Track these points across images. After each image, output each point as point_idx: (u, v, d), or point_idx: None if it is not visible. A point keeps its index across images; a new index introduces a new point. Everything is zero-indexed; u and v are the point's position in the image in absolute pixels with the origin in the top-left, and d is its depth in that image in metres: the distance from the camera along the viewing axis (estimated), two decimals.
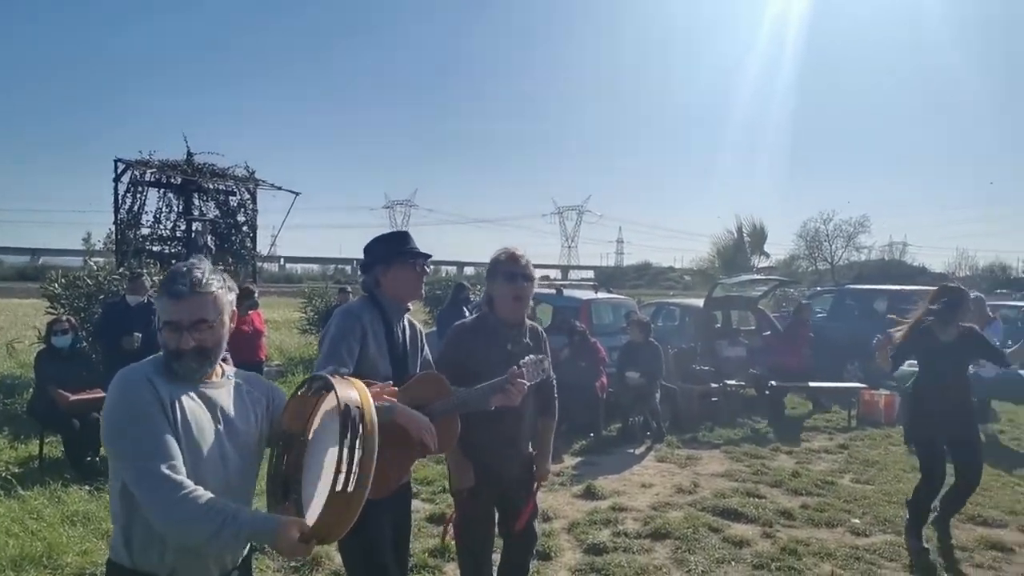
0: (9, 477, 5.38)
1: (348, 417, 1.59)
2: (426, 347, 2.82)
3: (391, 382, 2.24)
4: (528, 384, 2.54)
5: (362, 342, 2.48)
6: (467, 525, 3.08)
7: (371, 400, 1.69)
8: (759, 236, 37.37)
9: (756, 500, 5.46)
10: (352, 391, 1.68)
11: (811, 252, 45.81)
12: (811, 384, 9.33)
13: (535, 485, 3.15)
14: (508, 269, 2.92)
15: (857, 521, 5.01)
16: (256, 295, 8.12)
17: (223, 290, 1.78)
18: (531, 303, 3.09)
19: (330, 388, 1.71)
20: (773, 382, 9.09)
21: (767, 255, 38.97)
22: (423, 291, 2.71)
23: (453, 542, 4.29)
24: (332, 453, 1.68)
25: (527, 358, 2.59)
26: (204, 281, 1.73)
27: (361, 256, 2.71)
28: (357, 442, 1.57)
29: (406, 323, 2.72)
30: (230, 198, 12.55)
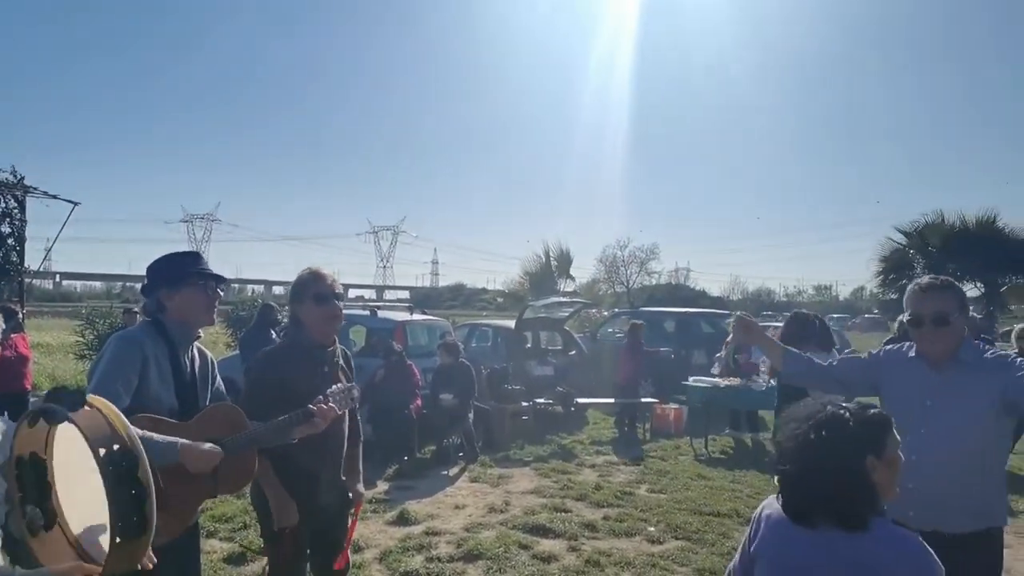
0: None
1: (111, 460, 1.39)
2: (218, 377, 2.60)
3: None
4: (338, 412, 2.45)
5: (142, 373, 2.23)
6: (284, 563, 2.86)
7: (129, 427, 1.47)
8: (565, 260, 39.46)
9: (563, 515, 5.70)
10: (103, 425, 1.45)
11: (610, 276, 49.15)
12: (611, 400, 9.94)
13: (352, 515, 3.03)
14: (317, 290, 2.77)
15: (652, 529, 5.39)
16: (20, 316, 7.13)
17: None
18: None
19: (69, 422, 1.44)
20: (578, 399, 9.58)
21: (572, 279, 41.25)
22: (215, 316, 2.51)
23: None
24: (88, 472, 1.44)
25: (335, 387, 2.49)
26: None
27: None
28: (131, 488, 1.39)
29: (195, 351, 2.50)
30: None
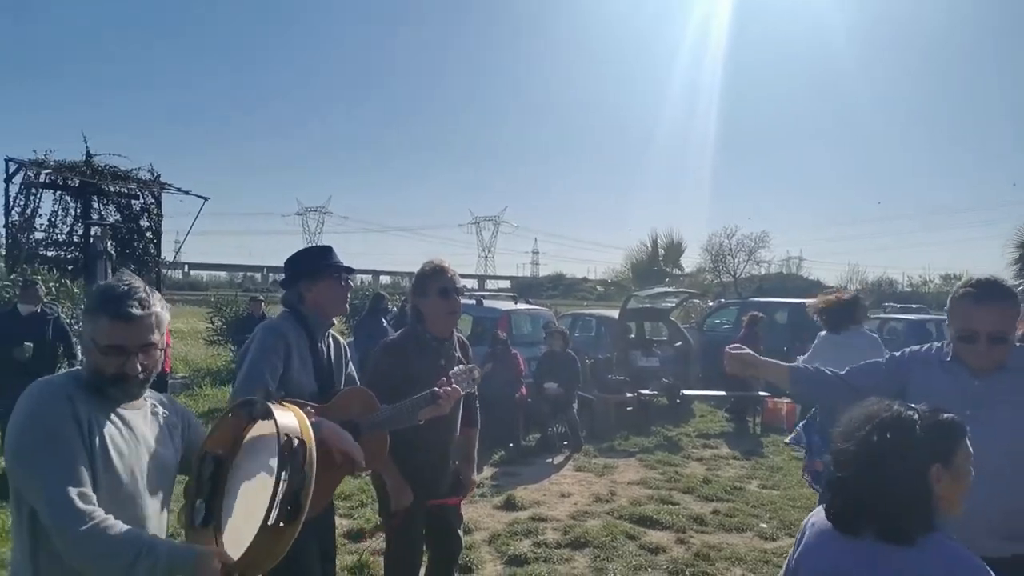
0: None
1: (288, 448, 1.55)
2: (351, 362, 2.76)
3: (310, 406, 2.18)
4: (462, 393, 2.53)
5: (286, 360, 2.40)
6: (401, 542, 3.01)
7: (311, 430, 1.66)
8: (675, 250, 38.70)
9: (670, 507, 5.64)
10: (292, 419, 1.65)
11: (716, 265, 47.76)
12: (719, 393, 9.71)
13: (463, 493, 3.13)
14: (441, 284, 2.86)
15: (765, 526, 5.25)
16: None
17: (164, 308, 1.72)
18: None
19: (268, 415, 1.66)
20: (684, 391, 9.41)
21: (681, 268, 40.39)
22: (347, 305, 2.67)
23: (373, 558, 4.25)
24: (259, 481, 1.64)
25: (457, 368, 2.58)
26: (150, 300, 1.66)
27: (271, 263, 2.66)
28: (294, 474, 1.53)
29: (330, 338, 2.66)
30: (133, 202, 12.01)
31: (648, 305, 11.94)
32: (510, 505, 5.64)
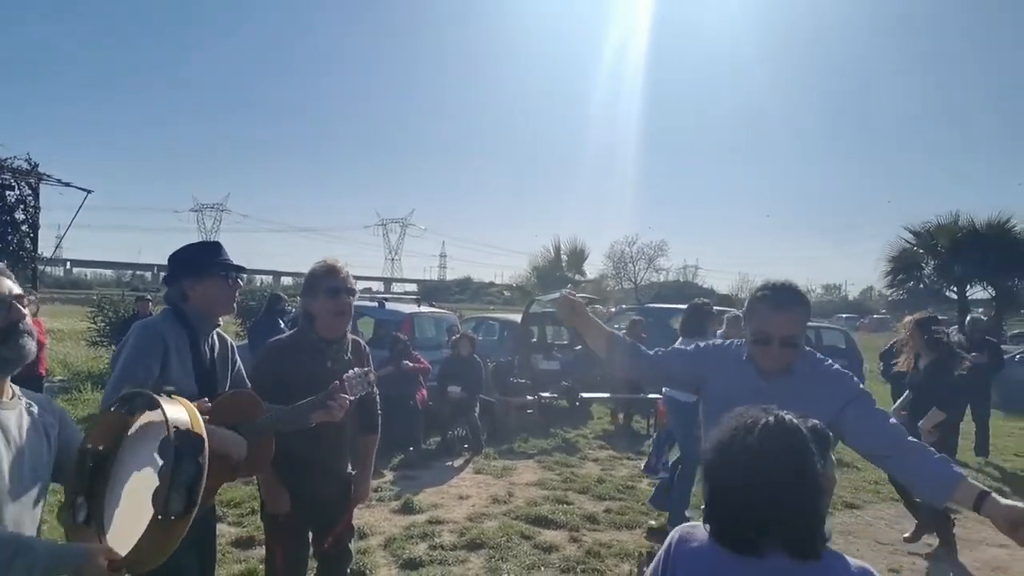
0: None
1: (180, 439, 1.52)
2: (238, 362, 2.67)
3: (206, 399, 2.11)
4: (352, 399, 2.46)
5: (164, 360, 2.29)
6: (280, 549, 2.92)
7: (202, 421, 1.62)
8: (579, 256, 39.46)
9: (565, 506, 5.77)
10: (182, 411, 1.61)
11: (618, 272, 49.15)
12: (614, 395, 10.00)
13: (353, 503, 3.07)
14: (330, 284, 2.80)
15: (653, 523, 5.45)
16: (33, 301, 7.25)
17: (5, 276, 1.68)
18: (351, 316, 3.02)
19: (155, 406, 1.62)
20: (583, 394, 9.64)
21: (584, 274, 41.26)
22: (235, 305, 2.57)
23: (262, 566, 4.13)
24: (146, 475, 1.59)
25: (351, 371, 2.51)
26: None
27: (162, 262, 2.53)
28: (187, 466, 1.50)
29: (215, 338, 2.56)
30: (7, 193, 11.12)
31: (550, 309, 12.15)
32: (407, 508, 5.62)
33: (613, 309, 22.31)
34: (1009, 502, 1.88)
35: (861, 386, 2.27)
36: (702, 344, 2.56)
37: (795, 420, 1.40)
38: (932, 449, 2.16)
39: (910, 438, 2.16)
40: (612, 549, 4.83)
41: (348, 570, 3.26)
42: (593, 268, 49.14)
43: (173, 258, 2.49)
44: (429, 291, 66.48)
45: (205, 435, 1.59)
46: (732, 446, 1.37)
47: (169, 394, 1.77)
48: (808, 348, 2.32)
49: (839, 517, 5.77)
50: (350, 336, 3.00)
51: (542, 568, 4.48)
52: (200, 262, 2.45)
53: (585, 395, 9.79)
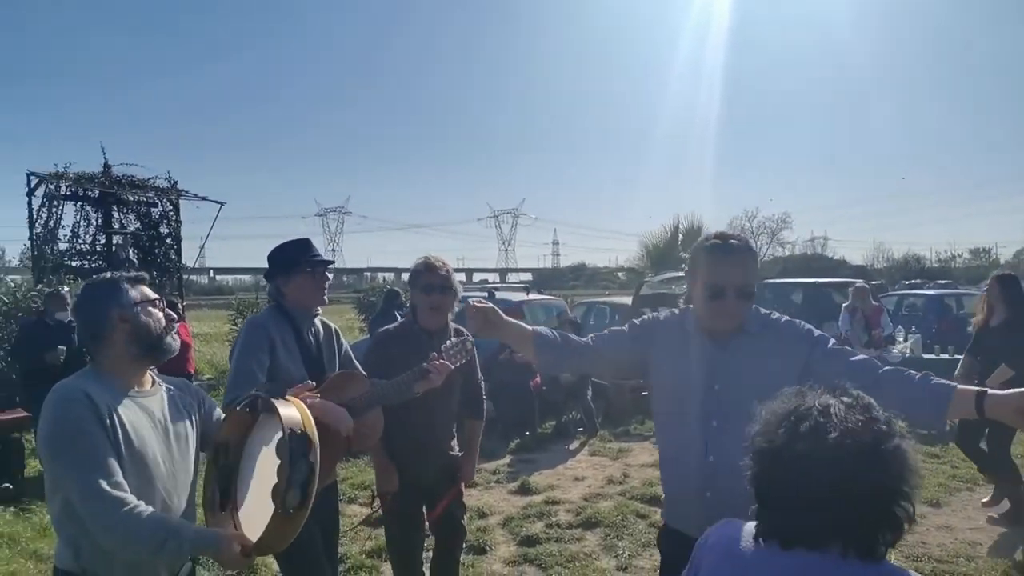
0: None
1: (293, 441, 1.68)
2: (344, 345, 2.87)
3: (311, 382, 2.27)
4: (452, 366, 2.58)
5: (271, 352, 2.52)
6: (394, 525, 3.14)
7: (312, 421, 1.78)
8: (695, 235, 38.43)
9: None
10: (295, 412, 1.77)
11: None
12: None
13: (459, 482, 3.21)
14: (425, 281, 3.00)
15: None
16: (180, 308, 8.00)
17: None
18: (455, 308, 3.17)
19: (271, 410, 1.79)
20: None
21: None
22: (326, 297, 2.74)
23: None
24: (268, 470, 1.77)
25: (449, 341, 2.64)
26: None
27: None
28: (300, 465, 1.67)
29: (318, 325, 2.76)
30: (152, 210, 12.25)
31: (661, 291, 11.97)
32: (525, 490, 5.77)
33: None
34: (1010, 391, 1.72)
35: (813, 328, 2.07)
36: (636, 320, 2.23)
37: (850, 400, 1.18)
38: (909, 370, 1.92)
39: (884, 367, 1.94)
40: None
41: (463, 545, 3.45)
42: None
43: (269, 258, 2.71)
44: (544, 279, 66.79)
45: (315, 435, 1.74)
46: (790, 439, 1.15)
47: (284, 394, 1.96)
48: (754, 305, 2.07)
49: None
50: (453, 326, 3.15)
51: (656, 546, 4.48)
52: (288, 260, 2.65)
53: None
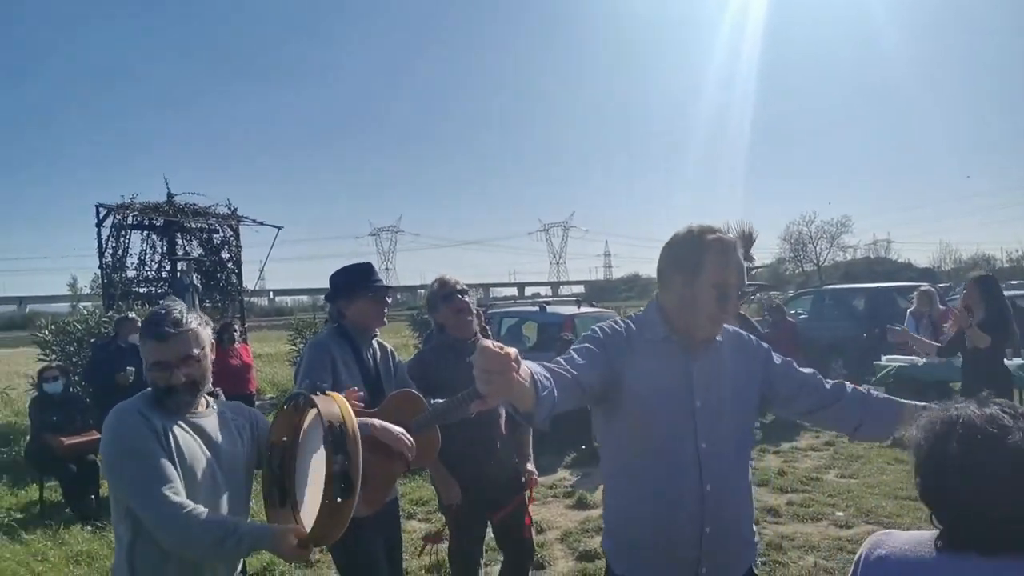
0: (11, 523, 5.49)
1: (332, 432, 1.75)
2: (400, 363, 2.96)
3: (356, 388, 2.33)
4: None
5: (333, 371, 2.61)
6: (457, 537, 3.20)
7: (352, 414, 1.84)
8: (747, 240, 37.80)
9: None
10: (334, 407, 1.84)
11: (796, 254, 46.41)
12: None
13: (524, 490, 3.26)
14: (444, 292, 3.09)
15: (841, 514, 5.16)
16: (237, 329, 8.27)
17: (201, 326, 1.94)
18: (482, 317, 3.25)
19: (311, 404, 1.87)
20: None
21: (751, 259, 39.31)
22: (385, 320, 2.83)
23: (446, 558, 4.43)
24: (318, 461, 1.85)
25: None
26: (184, 320, 1.89)
27: None
28: (341, 455, 1.72)
29: (376, 346, 2.85)
30: (213, 236, 12.69)
31: None
32: (582, 504, 5.73)
33: (791, 294, 21.05)
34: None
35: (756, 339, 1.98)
36: (591, 333, 1.86)
37: (1016, 406, 1.23)
38: (848, 384, 1.92)
39: (825, 380, 1.93)
40: (795, 541, 4.63)
41: (531, 561, 3.47)
42: (768, 252, 46.75)
43: (332, 280, 2.80)
44: (596, 291, 66.52)
45: (355, 426, 1.80)
46: (976, 451, 1.17)
47: (324, 391, 2.02)
48: None
49: None
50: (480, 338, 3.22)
51: None
52: (351, 284, 2.74)
53: None
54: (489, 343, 1.31)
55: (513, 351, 1.31)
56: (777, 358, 1.95)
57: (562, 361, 1.71)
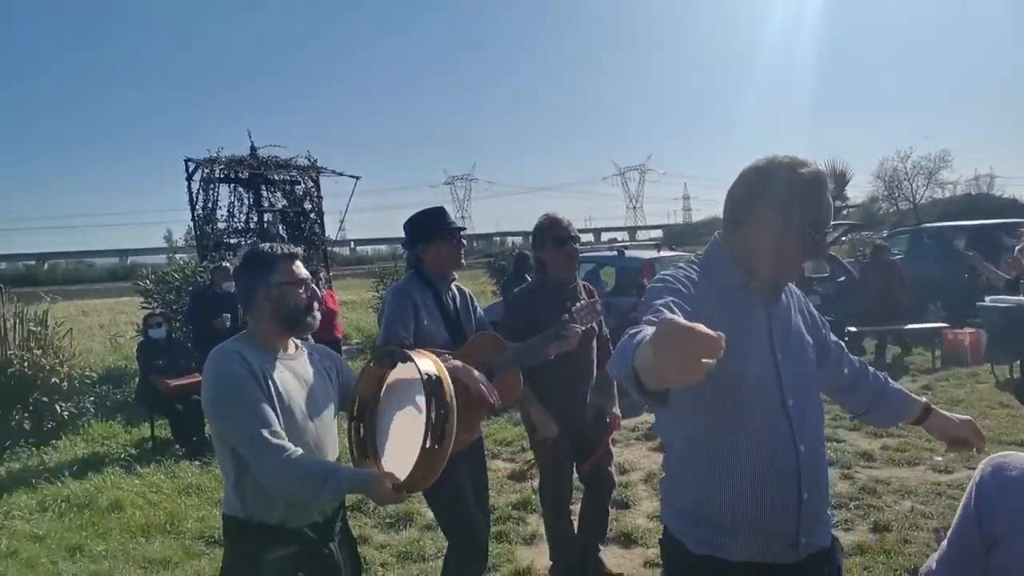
0: (127, 458, 5.92)
1: (430, 385, 1.79)
2: (478, 308, 2.98)
3: (445, 352, 2.38)
4: (582, 328, 2.60)
5: (416, 316, 2.65)
6: (548, 474, 3.28)
7: (445, 368, 1.88)
8: (839, 180, 36.08)
9: (835, 444, 5.44)
10: (429, 363, 1.88)
11: (891, 192, 43.90)
12: (889, 328, 9.08)
13: (609, 430, 3.30)
14: (556, 233, 3.07)
15: (939, 459, 4.95)
16: (322, 276, 8.51)
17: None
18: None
19: (407, 360, 1.92)
20: (851, 328, 8.90)
21: (845, 198, 37.40)
22: (463, 262, 2.84)
23: (535, 495, 4.51)
24: (408, 415, 1.91)
25: (579, 303, 2.67)
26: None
27: None
28: (438, 406, 1.77)
29: (455, 289, 2.87)
30: (295, 187, 12.98)
31: None
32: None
33: (885, 233, 19.99)
34: (948, 415, 1.84)
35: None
36: (665, 283, 1.57)
37: None
38: (871, 368, 1.90)
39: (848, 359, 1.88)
40: (891, 486, 4.49)
41: (612, 496, 3.54)
42: (861, 191, 44.42)
43: (406, 226, 2.82)
44: (675, 236, 65.03)
45: (449, 381, 1.84)
46: None
47: (417, 348, 2.06)
48: None
49: None
50: (583, 283, 3.25)
51: None
52: (425, 227, 2.76)
53: (852, 329, 9.04)
54: (694, 325, 1.01)
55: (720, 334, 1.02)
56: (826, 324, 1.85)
57: (655, 320, 1.37)
